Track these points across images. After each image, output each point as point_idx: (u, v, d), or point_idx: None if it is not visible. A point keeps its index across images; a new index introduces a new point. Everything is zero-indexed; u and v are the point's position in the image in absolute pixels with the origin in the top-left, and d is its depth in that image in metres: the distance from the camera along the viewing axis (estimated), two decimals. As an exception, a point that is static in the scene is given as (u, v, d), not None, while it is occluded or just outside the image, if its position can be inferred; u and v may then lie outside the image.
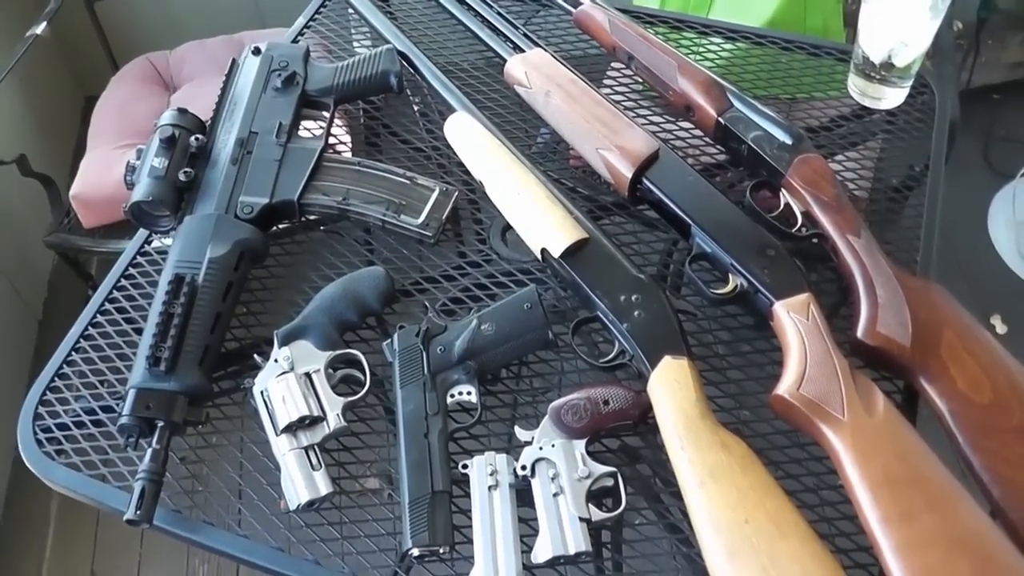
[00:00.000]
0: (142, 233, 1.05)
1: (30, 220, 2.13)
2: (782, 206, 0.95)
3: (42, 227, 1.92)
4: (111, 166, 1.80)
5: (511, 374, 0.92)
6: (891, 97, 1.13)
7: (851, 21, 1.64)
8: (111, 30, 2.21)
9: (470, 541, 0.79)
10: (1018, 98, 2.61)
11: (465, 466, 0.82)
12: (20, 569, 1.95)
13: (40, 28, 1.94)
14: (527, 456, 0.81)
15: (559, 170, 1.13)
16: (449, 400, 0.86)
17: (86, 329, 0.99)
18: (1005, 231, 2.36)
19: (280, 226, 1.02)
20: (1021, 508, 0.76)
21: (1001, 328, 2.15)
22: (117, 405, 0.87)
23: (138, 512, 0.79)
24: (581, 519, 0.77)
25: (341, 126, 1.15)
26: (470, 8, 1.19)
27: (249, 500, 0.87)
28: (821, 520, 0.80)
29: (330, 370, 0.88)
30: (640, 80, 1.14)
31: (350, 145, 1.21)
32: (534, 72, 1.05)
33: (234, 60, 1.09)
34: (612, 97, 1.03)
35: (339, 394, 0.86)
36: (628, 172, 0.95)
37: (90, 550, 1.93)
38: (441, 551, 0.78)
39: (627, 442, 0.87)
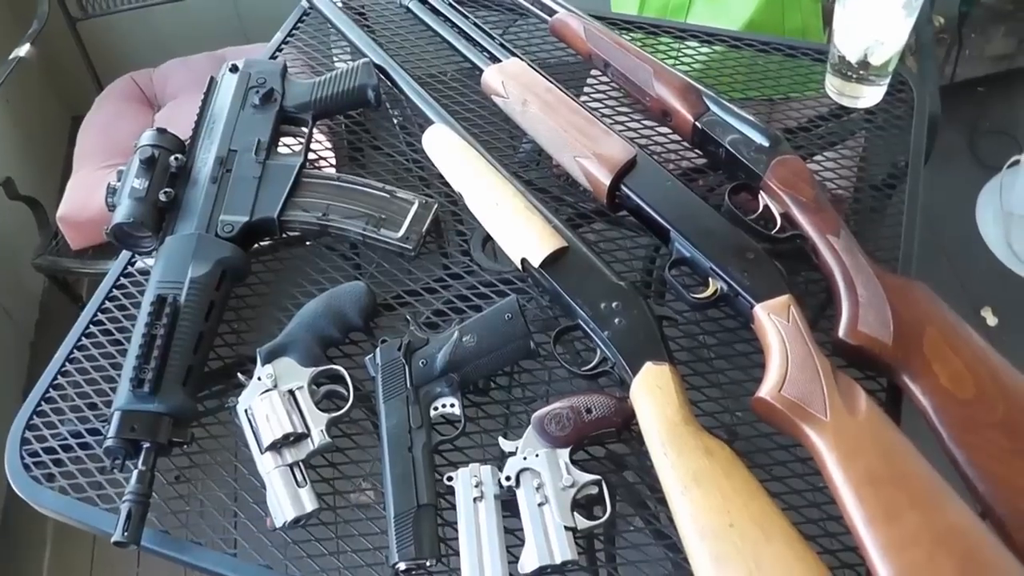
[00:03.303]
0: (125, 254, 1.05)
1: (19, 242, 2.12)
2: (761, 208, 0.95)
3: (31, 249, 1.91)
4: (97, 187, 1.80)
5: (495, 385, 0.92)
6: (869, 96, 1.14)
7: (831, 20, 1.65)
8: (95, 49, 2.21)
9: (457, 553, 0.79)
10: (1002, 90, 2.62)
11: (450, 478, 0.82)
12: (18, 588, 1.96)
13: (24, 50, 1.95)
14: (511, 466, 0.81)
15: (542, 179, 1.14)
16: (433, 413, 0.86)
17: (71, 352, 0.99)
18: (993, 223, 2.36)
19: (262, 243, 1.02)
20: (1007, 502, 0.76)
21: (992, 320, 2.15)
22: (103, 427, 0.87)
23: (125, 534, 0.79)
24: (567, 528, 0.77)
25: (320, 141, 1.15)
26: (447, 20, 1.19)
27: (238, 518, 0.87)
28: (807, 521, 0.81)
29: (314, 386, 0.88)
30: (617, 87, 1.14)
31: (334, 160, 1.21)
32: (511, 82, 1.05)
33: (212, 78, 1.09)
34: (590, 104, 1.04)
35: (323, 410, 0.86)
36: (606, 179, 0.95)
37: (87, 568, 1.93)
38: (428, 564, 0.78)
39: (612, 449, 0.87)
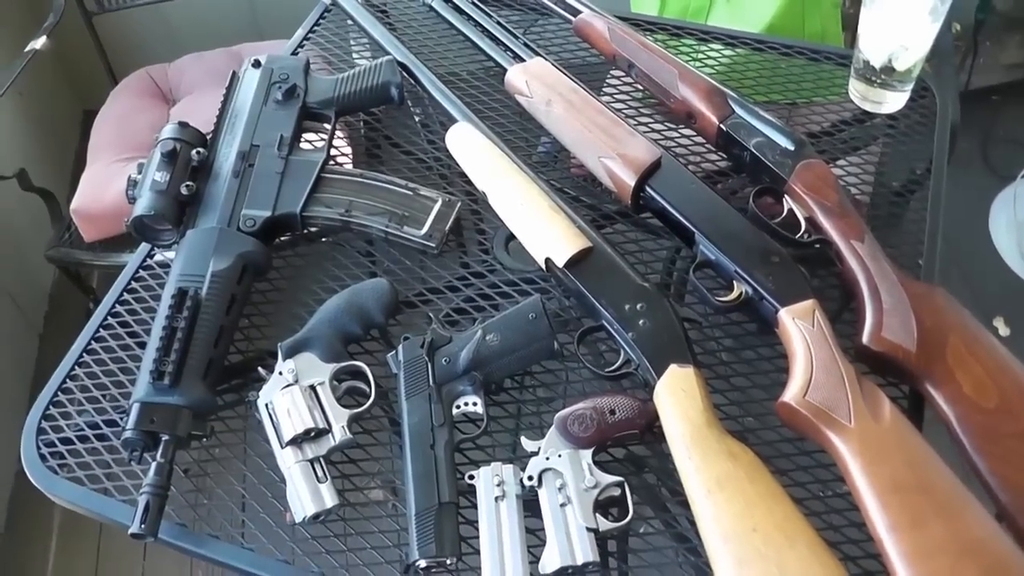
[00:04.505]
0: (144, 247, 1.05)
1: (31, 234, 2.13)
2: (785, 212, 0.95)
3: (43, 241, 1.92)
4: (111, 180, 1.81)
5: (516, 384, 0.92)
6: (892, 101, 1.13)
7: (849, 25, 1.65)
8: (110, 44, 2.21)
9: (477, 552, 0.78)
10: (1017, 99, 2.62)
11: (472, 477, 0.82)
12: (23, 582, 1.96)
13: (39, 43, 1.94)
14: (534, 466, 0.81)
15: (560, 179, 1.13)
16: (455, 411, 0.86)
17: (89, 343, 0.98)
18: (1006, 232, 2.36)
19: (283, 238, 1.02)
20: (1028, 512, 0.76)
21: (1004, 330, 2.14)
22: (120, 419, 0.87)
23: (143, 526, 0.79)
24: (588, 529, 0.77)
25: (342, 137, 1.15)
26: (470, 18, 1.19)
27: (254, 513, 0.86)
28: (829, 528, 0.80)
29: (335, 382, 0.88)
30: (641, 88, 1.14)
31: (351, 157, 1.21)
32: (535, 81, 1.05)
33: (234, 73, 1.09)
34: (613, 105, 1.03)
35: (344, 406, 0.86)
36: (631, 180, 0.95)
37: (93, 562, 1.93)
38: (448, 562, 0.78)
39: (634, 451, 0.87)
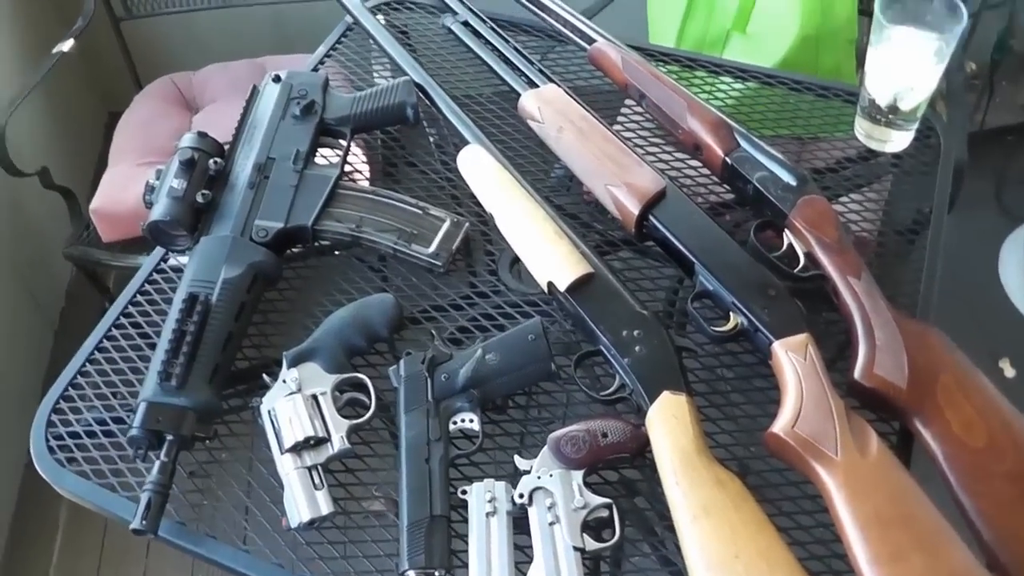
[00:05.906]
0: (159, 251, 1.08)
1: (51, 231, 2.16)
2: (785, 246, 0.97)
3: (62, 238, 1.94)
4: (131, 182, 1.83)
5: (514, 404, 0.94)
6: (897, 140, 1.15)
7: (865, 62, 1.67)
8: (136, 49, 2.24)
9: (466, 566, 0.80)
10: (1032, 140, 2.62)
11: (464, 492, 0.84)
12: (27, 576, 1.98)
13: (67, 45, 1.98)
14: (525, 485, 0.83)
15: (573, 204, 1.15)
16: (452, 427, 0.88)
17: (101, 341, 1.01)
18: (1016, 274, 2.36)
19: (294, 250, 1.04)
20: (1012, 552, 0.77)
21: (1010, 372, 2.14)
22: (128, 417, 0.89)
23: (144, 522, 0.81)
24: (575, 548, 0.79)
25: (359, 155, 1.17)
26: (487, 43, 1.22)
27: (253, 516, 0.88)
28: (812, 558, 0.81)
29: (337, 393, 0.90)
30: (651, 118, 1.16)
31: (368, 174, 1.24)
32: (547, 107, 1.07)
33: (254, 87, 1.12)
34: (623, 134, 1.05)
35: (344, 417, 0.88)
36: (635, 209, 0.97)
37: (96, 560, 1.95)
38: (437, 574, 0.80)
39: (625, 475, 0.89)
